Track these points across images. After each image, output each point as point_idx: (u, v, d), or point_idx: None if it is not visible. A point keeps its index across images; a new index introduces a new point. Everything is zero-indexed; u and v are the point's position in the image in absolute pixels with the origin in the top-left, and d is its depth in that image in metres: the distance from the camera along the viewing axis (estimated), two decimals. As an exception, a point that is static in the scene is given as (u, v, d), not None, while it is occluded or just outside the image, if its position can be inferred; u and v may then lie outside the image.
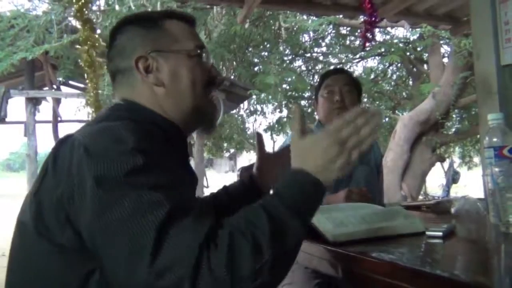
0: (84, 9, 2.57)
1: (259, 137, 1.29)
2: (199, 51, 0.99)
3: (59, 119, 7.95)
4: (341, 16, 4.74)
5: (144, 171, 0.73)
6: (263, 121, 10.01)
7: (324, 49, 8.24)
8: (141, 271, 0.65)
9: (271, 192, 0.82)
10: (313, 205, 0.81)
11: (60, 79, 7.25)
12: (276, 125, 8.22)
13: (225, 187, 1.27)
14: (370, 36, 2.43)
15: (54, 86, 7.39)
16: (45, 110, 7.81)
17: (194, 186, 1.00)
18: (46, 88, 7.34)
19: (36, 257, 0.79)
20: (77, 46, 2.88)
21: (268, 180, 1.23)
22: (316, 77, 8.31)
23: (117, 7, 5.40)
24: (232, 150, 12.72)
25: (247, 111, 8.98)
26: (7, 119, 6.90)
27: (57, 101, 7.52)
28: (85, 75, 2.90)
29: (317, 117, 2.08)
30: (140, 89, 0.95)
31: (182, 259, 0.65)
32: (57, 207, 0.76)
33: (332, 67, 8.25)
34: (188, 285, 0.63)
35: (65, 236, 0.75)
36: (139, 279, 0.66)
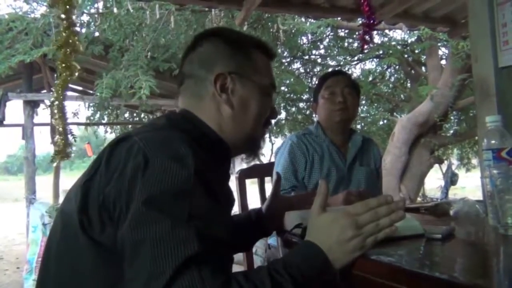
0: (68, 13, 2.57)
1: (277, 178, 1.33)
2: (272, 89, 1.04)
3: (57, 121, 7.94)
4: (339, 18, 4.76)
5: (190, 196, 0.75)
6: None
7: (322, 51, 8.25)
8: None
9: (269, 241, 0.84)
10: (317, 281, 0.81)
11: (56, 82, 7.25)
12: (275, 127, 8.22)
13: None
14: (368, 39, 2.44)
15: (52, 89, 7.39)
16: (43, 113, 7.80)
17: (230, 208, 1.03)
18: (44, 91, 7.32)
19: (74, 249, 0.81)
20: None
21: (274, 221, 1.28)
22: (314, 79, 8.31)
23: (115, 10, 5.40)
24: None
25: (246, 113, 8.98)
26: (5, 122, 6.87)
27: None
28: (55, 76, 2.90)
29: (315, 118, 2.08)
30: (207, 102, 0.98)
31: None
32: (102, 205, 0.78)
33: (330, 69, 8.27)
34: None
35: (105, 234, 0.77)
36: None
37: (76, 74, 2.76)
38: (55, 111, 2.96)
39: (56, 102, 2.95)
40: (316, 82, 2.14)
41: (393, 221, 0.83)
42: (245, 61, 1.00)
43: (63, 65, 2.66)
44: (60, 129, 2.93)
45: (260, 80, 1.01)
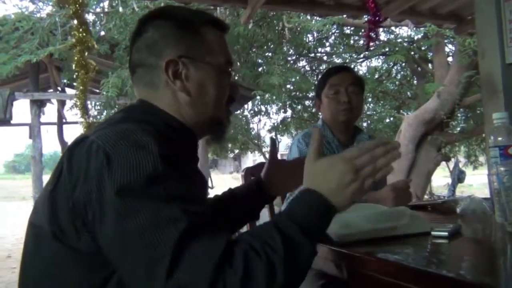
0: (80, 11, 2.59)
1: (272, 142, 1.30)
2: (229, 67, 0.98)
3: (63, 120, 7.98)
4: (344, 16, 4.74)
5: (163, 180, 0.73)
6: (267, 121, 10.00)
7: (328, 49, 8.22)
8: (157, 285, 0.66)
9: (283, 208, 0.83)
10: (324, 227, 0.82)
11: (65, 81, 7.29)
12: (280, 126, 8.21)
13: (230, 190, 1.26)
14: (374, 36, 2.43)
15: (59, 88, 7.43)
16: (49, 112, 7.86)
17: (205, 189, 1.00)
18: (51, 90, 7.38)
19: (52, 261, 0.78)
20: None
21: (276, 187, 1.24)
22: (320, 77, 8.30)
23: (120, 9, 5.42)
24: (236, 151, 12.70)
25: (251, 111, 8.97)
26: (12, 121, 6.93)
27: (61, 103, 7.56)
28: (74, 76, 2.94)
29: (321, 116, 2.06)
30: (162, 91, 0.93)
31: (198, 280, 0.65)
32: (74, 212, 0.75)
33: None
34: None
35: (81, 241, 0.75)
36: None
37: (94, 72, 2.78)
38: (79, 110, 3.02)
39: (79, 102, 3.00)
40: (319, 79, 2.08)
41: (389, 161, 0.83)
42: (195, 42, 0.94)
43: (79, 64, 2.68)
44: (85, 128, 2.98)
45: (214, 60, 0.95)
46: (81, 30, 2.64)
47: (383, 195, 1.61)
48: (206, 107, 0.95)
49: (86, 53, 2.71)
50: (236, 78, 7.31)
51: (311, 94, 7.83)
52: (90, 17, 6.06)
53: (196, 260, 0.66)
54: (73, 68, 2.79)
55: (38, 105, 6.49)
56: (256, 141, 9.96)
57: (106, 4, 6.21)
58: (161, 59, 0.91)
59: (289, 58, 7.46)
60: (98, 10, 6.28)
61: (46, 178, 6.63)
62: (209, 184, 8.39)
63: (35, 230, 0.83)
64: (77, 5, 2.56)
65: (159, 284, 0.65)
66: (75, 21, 2.67)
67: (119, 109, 1.07)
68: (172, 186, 0.73)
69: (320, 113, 2.07)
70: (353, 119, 1.98)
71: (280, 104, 7.45)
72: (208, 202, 1.08)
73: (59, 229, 0.77)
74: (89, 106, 7.97)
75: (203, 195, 0.95)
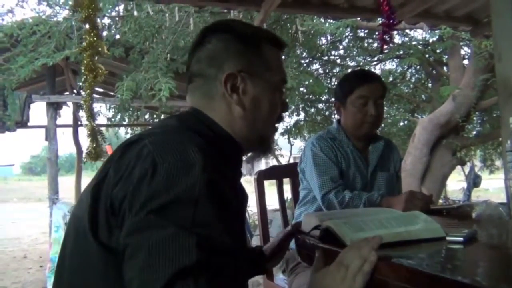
0: (92, 16, 2.62)
1: (293, 230, 1.36)
2: (283, 84, 1.02)
3: (79, 123, 8.08)
4: (358, 18, 4.72)
5: (195, 204, 0.72)
6: (280, 124, 9.95)
7: (341, 52, 8.19)
8: None
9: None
10: None
11: (80, 84, 7.38)
12: (293, 129, 8.20)
13: None
14: (388, 39, 2.41)
15: (75, 91, 7.51)
16: (65, 114, 7.95)
17: (244, 206, 1.00)
18: (67, 93, 7.46)
19: (88, 252, 0.80)
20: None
21: (275, 263, 1.42)
22: (334, 80, 8.26)
23: (135, 13, 5.47)
24: (249, 154, 12.73)
25: (264, 114, 8.99)
26: (29, 124, 7.03)
27: (77, 106, 7.64)
28: (82, 79, 2.99)
29: (335, 118, 2.03)
30: (218, 103, 0.95)
31: None
32: (110, 208, 0.77)
33: (351, 70, 8.21)
34: None
35: (113, 238, 0.76)
36: None
37: (102, 77, 2.81)
38: (84, 113, 3.06)
39: (85, 105, 3.04)
40: (342, 81, 1.98)
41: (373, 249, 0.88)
42: (256, 58, 0.97)
43: (88, 68, 2.72)
44: (89, 131, 3.01)
45: (271, 77, 0.98)
46: (92, 34, 2.67)
47: (399, 200, 1.61)
48: (258, 123, 0.98)
49: (96, 58, 2.74)
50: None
51: (324, 97, 7.80)
52: (105, 21, 6.13)
53: None
54: (82, 71, 2.83)
55: (54, 108, 6.56)
56: (269, 144, 9.93)
57: (121, 8, 6.28)
58: (221, 72, 0.94)
59: (302, 61, 7.44)
60: (113, 14, 6.35)
61: (61, 179, 6.73)
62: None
63: (76, 221, 0.85)
64: (90, 10, 2.59)
65: None
66: (87, 25, 2.70)
67: (172, 115, 1.10)
68: (201, 212, 0.72)
69: (335, 115, 2.04)
70: (374, 131, 1.95)
71: (293, 107, 7.44)
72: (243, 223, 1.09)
73: (96, 222, 0.78)
74: (104, 109, 8.07)
75: (238, 219, 0.93)
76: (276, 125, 1.06)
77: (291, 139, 8.71)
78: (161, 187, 0.73)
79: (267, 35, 1.02)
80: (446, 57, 6.52)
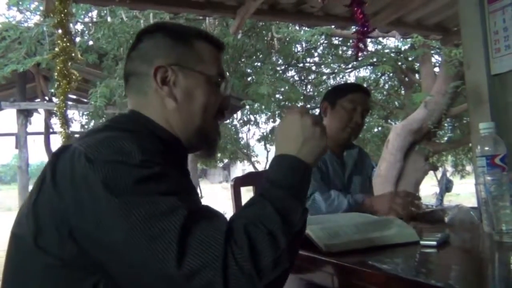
0: (65, 21, 2.58)
1: None
2: (219, 79, 0.99)
3: (51, 130, 7.91)
4: (333, 26, 4.78)
5: (153, 180, 0.73)
6: (256, 131, 10.03)
7: (316, 59, 8.29)
8: (169, 273, 0.66)
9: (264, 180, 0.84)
10: (307, 184, 0.86)
11: (52, 90, 7.23)
12: (270, 135, 8.23)
13: None
14: (362, 46, 2.44)
15: (46, 98, 7.37)
16: (36, 121, 7.77)
17: (197, 199, 0.99)
18: (38, 99, 7.31)
19: (35, 272, 0.77)
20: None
21: None
22: (309, 86, 8.35)
23: (109, 19, 5.41)
24: (225, 160, 12.70)
25: (241, 121, 8.99)
26: (-2, 131, 6.86)
27: (49, 113, 7.49)
28: (55, 85, 2.95)
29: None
30: (151, 98, 0.94)
31: (209, 261, 0.66)
32: (61, 222, 0.74)
33: (324, 77, 8.30)
34: (220, 285, 0.65)
35: (66, 250, 0.74)
36: (168, 281, 0.67)
37: (76, 83, 2.77)
38: (58, 120, 3.02)
39: (58, 112, 2.99)
40: (338, 85, 2.06)
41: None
42: (186, 52, 0.96)
43: (61, 73, 2.67)
44: (63, 138, 2.95)
45: (205, 70, 0.96)
46: (65, 39, 2.63)
47: (382, 199, 1.64)
48: (193, 115, 0.95)
49: (70, 63, 2.71)
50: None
51: (300, 104, 7.86)
52: (78, 27, 6.03)
53: (203, 244, 0.67)
54: (55, 77, 2.79)
55: (25, 115, 6.42)
56: (245, 151, 9.96)
57: (94, 14, 6.20)
58: (152, 66, 0.93)
59: (278, 68, 7.50)
60: (86, 19, 6.26)
61: (32, 188, 6.58)
62: (198, 194, 8.35)
63: (18, 241, 0.82)
64: (63, 15, 2.55)
65: (172, 275, 0.66)
66: (60, 31, 2.66)
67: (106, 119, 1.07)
68: (164, 184, 0.74)
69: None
70: (353, 140, 2.02)
71: (270, 113, 7.47)
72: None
73: (42, 238, 0.76)
74: (77, 116, 7.92)
75: (197, 200, 0.95)
76: (219, 121, 1.04)
77: (268, 145, 8.74)
78: (110, 178, 0.71)
79: (200, 32, 1.01)
80: (418, 64, 6.67)
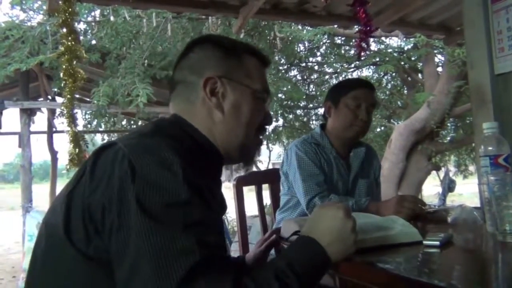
0: (69, 20, 2.59)
1: (275, 239, 1.35)
2: (265, 94, 1.02)
3: (54, 129, 7.92)
4: (335, 26, 4.78)
5: (183, 205, 0.73)
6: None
7: (319, 58, 8.27)
8: None
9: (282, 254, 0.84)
10: (318, 277, 0.84)
11: (55, 89, 7.24)
12: (272, 134, 8.23)
13: None
14: (365, 46, 2.44)
15: (49, 97, 7.38)
16: (40, 120, 7.79)
17: (223, 213, 0.99)
18: (41, 99, 7.31)
19: (62, 261, 0.78)
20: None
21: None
22: (311, 86, 8.33)
23: (112, 18, 5.41)
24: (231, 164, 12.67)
25: (243, 120, 8.98)
26: (1, 130, 6.87)
27: (52, 112, 7.50)
28: (62, 84, 2.95)
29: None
30: (198, 108, 0.96)
31: None
32: (88, 217, 0.75)
33: (327, 77, 8.29)
34: None
35: (91, 246, 0.75)
36: None
37: (82, 81, 2.77)
38: (66, 118, 3.01)
39: (66, 111, 2.99)
40: (339, 83, 2.01)
41: None
42: (236, 65, 0.99)
43: (67, 72, 2.67)
44: (71, 137, 2.96)
45: (251, 84, 0.99)
46: (70, 38, 2.64)
47: (388, 204, 1.60)
48: (237, 129, 0.97)
49: (75, 62, 2.71)
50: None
51: (302, 103, 7.86)
52: (81, 26, 6.04)
53: None
54: (61, 76, 2.78)
55: (28, 114, 6.41)
56: (247, 150, 9.92)
57: (97, 13, 6.20)
58: (202, 77, 0.96)
59: (280, 67, 7.49)
60: (89, 19, 6.27)
61: (35, 187, 6.57)
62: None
63: (49, 229, 0.84)
64: (67, 14, 2.56)
65: None
66: (64, 30, 2.66)
67: (149, 122, 1.08)
68: (192, 211, 0.74)
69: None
70: (360, 137, 1.95)
71: (272, 113, 7.45)
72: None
73: (72, 231, 0.77)
74: (80, 115, 7.93)
75: (220, 222, 0.95)
76: (260, 136, 1.05)
77: (270, 145, 8.73)
78: (145, 191, 0.72)
79: (249, 47, 1.05)
80: (421, 64, 6.66)
